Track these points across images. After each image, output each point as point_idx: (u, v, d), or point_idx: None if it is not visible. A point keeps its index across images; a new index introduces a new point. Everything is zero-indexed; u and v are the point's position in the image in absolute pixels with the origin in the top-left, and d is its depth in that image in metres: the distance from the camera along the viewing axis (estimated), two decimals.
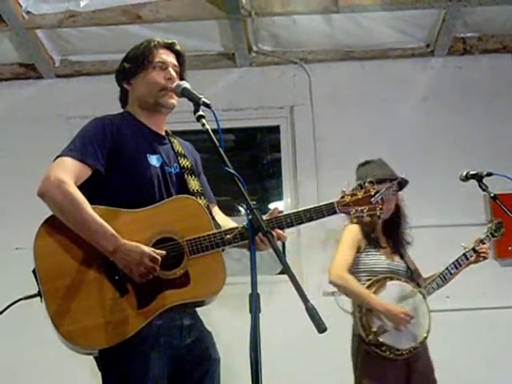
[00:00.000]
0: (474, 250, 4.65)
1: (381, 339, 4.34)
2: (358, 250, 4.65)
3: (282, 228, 3.09)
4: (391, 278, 4.53)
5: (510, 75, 6.75)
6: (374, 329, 4.36)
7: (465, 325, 5.94)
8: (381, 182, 4.52)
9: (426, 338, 4.46)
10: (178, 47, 3.43)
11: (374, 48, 6.78)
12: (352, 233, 4.66)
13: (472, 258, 4.65)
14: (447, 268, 4.61)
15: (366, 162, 4.79)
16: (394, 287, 4.50)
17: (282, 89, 6.80)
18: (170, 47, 3.41)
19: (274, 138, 6.98)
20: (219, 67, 6.83)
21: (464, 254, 4.64)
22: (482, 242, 4.70)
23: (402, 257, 4.72)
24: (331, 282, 4.56)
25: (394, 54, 6.82)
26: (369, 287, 4.50)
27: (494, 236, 4.77)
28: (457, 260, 4.63)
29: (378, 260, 4.62)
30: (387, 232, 4.75)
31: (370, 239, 4.68)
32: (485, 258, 4.68)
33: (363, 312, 4.45)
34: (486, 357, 5.93)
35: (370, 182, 3.24)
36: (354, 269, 4.65)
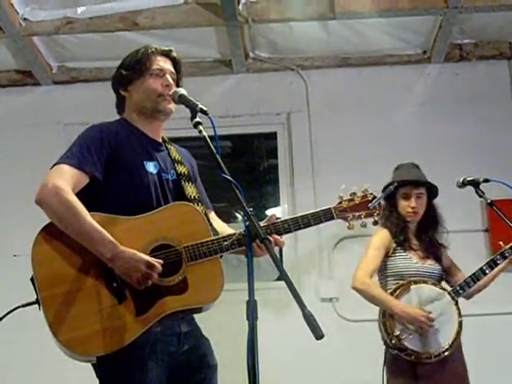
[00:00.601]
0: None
1: (405, 343, 4.33)
2: (387, 255, 4.64)
3: (279, 234, 3.10)
4: (417, 282, 4.49)
5: (506, 81, 6.76)
6: (397, 333, 4.35)
7: (465, 331, 5.91)
8: (404, 185, 4.61)
9: (455, 340, 4.41)
10: (174, 54, 3.43)
11: (371, 54, 6.79)
12: (379, 237, 4.66)
13: None
14: (481, 267, 4.47)
15: (398, 167, 4.83)
16: (419, 290, 4.46)
17: (279, 95, 6.81)
18: (167, 54, 3.40)
19: (271, 144, 6.98)
20: (216, 74, 6.84)
21: (501, 253, 4.47)
22: None
23: (437, 259, 4.65)
24: (354, 288, 4.53)
25: (391, 61, 6.82)
26: (393, 292, 4.49)
27: None
28: (492, 259, 4.49)
29: (407, 263, 4.58)
30: (419, 234, 4.72)
31: (400, 242, 4.64)
32: None
33: (386, 317, 4.43)
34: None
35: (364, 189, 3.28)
36: (383, 273, 4.67)
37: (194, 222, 3.13)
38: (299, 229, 3.15)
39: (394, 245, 4.64)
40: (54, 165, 3.10)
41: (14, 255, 6.21)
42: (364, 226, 3.27)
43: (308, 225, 3.16)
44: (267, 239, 2.59)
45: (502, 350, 5.92)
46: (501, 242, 4.50)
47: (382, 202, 3.30)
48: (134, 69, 3.33)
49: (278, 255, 2.58)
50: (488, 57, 6.81)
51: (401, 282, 4.51)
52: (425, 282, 4.50)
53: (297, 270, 6.25)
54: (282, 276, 2.39)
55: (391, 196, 4.63)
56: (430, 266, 4.60)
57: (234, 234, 3.08)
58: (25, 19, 5.93)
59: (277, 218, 3.15)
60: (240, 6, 5.85)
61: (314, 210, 3.19)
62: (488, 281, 4.60)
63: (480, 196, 4.44)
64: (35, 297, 2.98)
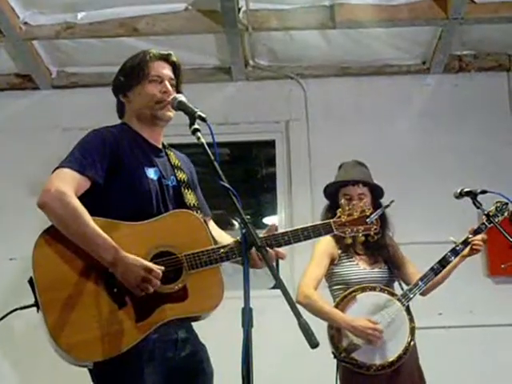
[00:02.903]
0: (465, 242, 4.38)
1: (354, 356, 4.18)
2: (332, 262, 4.50)
3: (279, 245, 3.10)
4: (364, 289, 4.32)
5: (505, 93, 6.77)
6: (344, 346, 4.21)
7: (456, 342, 5.94)
8: (345, 186, 4.49)
9: (407, 348, 4.25)
10: (174, 58, 3.42)
11: (371, 64, 6.80)
12: (322, 245, 4.51)
13: (465, 252, 4.39)
14: (432, 267, 4.35)
15: (340, 166, 4.75)
16: (366, 299, 4.29)
17: (278, 103, 6.82)
18: (166, 59, 3.40)
19: (270, 152, 6.99)
20: (215, 81, 6.85)
21: (453, 249, 4.37)
22: (475, 232, 4.38)
23: (386, 262, 4.52)
24: (298, 303, 4.26)
25: (390, 71, 6.84)
26: (339, 303, 4.34)
27: (493, 221, 4.34)
28: (444, 257, 4.37)
29: (353, 270, 4.44)
30: (365, 238, 4.56)
31: (344, 248, 4.47)
32: (477, 250, 4.37)
33: (333, 330, 4.29)
34: (479, 374, 5.92)
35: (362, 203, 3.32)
36: (330, 283, 4.55)
37: (195, 230, 3.14)
38: (299, 241, 3.15)
39: (339, 251, 4.50)
40: (56, 169, 3.09)
41: (10, 259, 6.20)
42: (362, 240, 3.30)
43: (308, 237, 3.17)
44: (264, 247, 2.59)
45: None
46: (451, 238, 4.42)
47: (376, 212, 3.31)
48: (131, 75, 3.33)
49: (275, 265, 2.58)
50: (487, 68, 6.83)
51: (348, 290, 4.35)
52: (373, 288, 4.34)
53: (293, 280, 6.24)
54: (279, 285, 2.39)
55: (332, 198, 4.52)
56: (379, 270, 4.47)
57: (234, 243, 3.07)
58: (25, 23, 5.93)
59: (276, 229, 3.15)
60: (240, 14, 5.85)
61: (314, 223, 3.21)
62: (442, 278, 4.46)
63: (477, 207, 4.41)
64: (33, 299, 2.96)
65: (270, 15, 5.99)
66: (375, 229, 3.24)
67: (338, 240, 4.47)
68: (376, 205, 4.42)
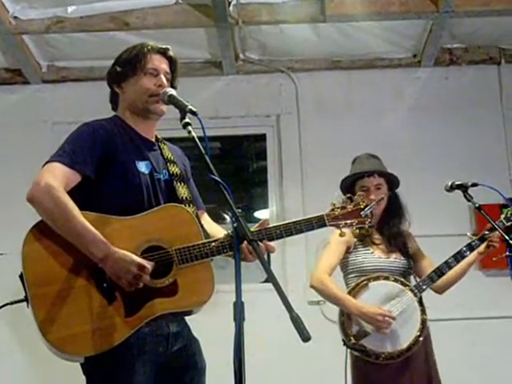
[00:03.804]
0: (481, 238, 4.33)
1: (363, 343, 4.20)
2: (348, 251, 4.52)
3: (271, 239, 3.09)
4: (378, 278, 4.35)
5: (496, 87, 6.78)
6: (354, 332, 4.23)
7: (448, 336, 5.94)
8: (362, 178, 4.54)
9: (417, 338, 4.25)
10: (171, 53, 3.41)
11: (361, 57, 6.80)
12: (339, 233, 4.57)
13: (480, 248, 4.34)
14: (446, 260, 4.33)
15: (354, 159, 4.74)
16: (378, 287, 4.33)
17: (269, 97, 6.82)
18: (163, 53, 3.39)
19: (260, 146, 6.99)
20: (206, 75, 6.84)
21: (469, 244, 4.34)
22: (492, 228, 4.29)
23: (402, 253, 4.53)
24: (311, 287, 4.44)
25: (381, 64, 6.84)
26: (352, 290, 4.37)
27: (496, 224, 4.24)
28: (459, 251, 4.34)
29: (368, 258, 4.45)
30: (381, 227, 4.57)
31: (361, 237, 4.42)
32: (494, 246, 4.31)
33: (344, 316, 4.32)
34: (469, 368, 5.93)
35: (360, 195, 3.29)
36: (345, 271, 4.57)
37: (186, 224, 3.13)
38: (291, 235, 3.14)
39: (355, 240, 4.50)
40: (46, 163, 3.08)
41: (1, 253, 6.18)
42: (356, 233, 3.28)
43: (300, 231, 3.15)
44: (255, 241, 2.58)
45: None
46: (468, 233, 4.42)
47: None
48: (128, 66, 3.31)
49: (266, 258, 2.57)
50: (478, 61, 6.84)
51: (361, 279, 4.38)
52: (386, 277, 4.36)
53: (284, 273, 6.25)
54: (270, 278, 2.38)
55: (349, 192, 4.56)
56: (395, 260, 4.47)
57: (225, 237, 3.06)
58: (15, 17, 5.91)
59: (268, 223, 3.14)
60: (231, 8, 5.85)
61: (307, 217, 3.18)
62: (459, 274, 4.46)
63: (468, 200, 4.39)
64: (24, 294, 2.95)
65: (261, 9, 5.99)
66: (369, 222, 3.22)
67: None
68: (392, 195, 4.58)
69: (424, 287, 4.33)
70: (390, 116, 6.67)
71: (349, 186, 4.59)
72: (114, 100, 3.43)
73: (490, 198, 4.66)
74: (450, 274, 4.39)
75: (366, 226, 3.24)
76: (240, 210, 2.65)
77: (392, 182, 4.62)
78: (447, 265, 4.33)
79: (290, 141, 6.68)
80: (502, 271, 4.53)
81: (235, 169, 7.57)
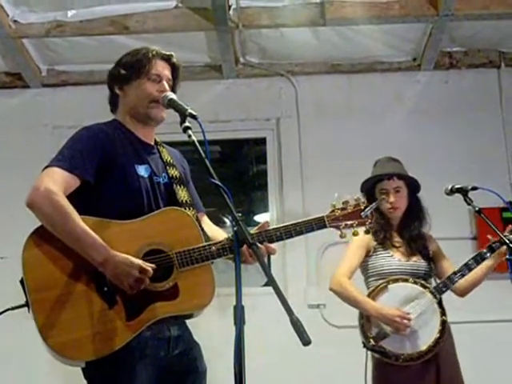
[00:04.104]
0: (501, 241, 4.25)
1: (383, 345, 4.23)
2: (368, 254, 4.55)
3: (271, 241, 3.09)
4: (396, 280, 4.37)
5: (495, 90, 6.78)
6: (373, 334, 4.26)
7: None
8: (381, 180, 4.55)
9: (438, 340, 4.27)
10: (175, 60, 3.42)
11: (361, 61, 6.80)
12: (359, 237, 4.57)
13: (502, 249, 4.29)
14: (466, 262, 4.33)
15: (376, 162, 4.78)
16: (398, 289, 4.35)
17: (269, 101, 6.81)
18: (167, 59, 3.39)
19: (260, 149, 6.98)
20: (206, 79, 6.83)
21: (489, 246, 4.33)
22: None
23: (423, 255, 4.54)
24: (331, 290, 4.48)
25: (381, 68, 6.84)
26: (371, 292, 4.40)
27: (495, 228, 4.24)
28: (479, 253, 4.37)
29: (388, 262, 4.47)
30: (401, 230, 4.61)
31: (381, 240, 4.54)
32: None
33: (364, 319, 4.35)
34: (473, 371, 5.93)
35: (360, 197, 3.30)
36: (365, 274, 4.60)
37: (186, 227, 3.13)
38: (291, 237, 3.14)
39: (375, 243, 4.54)
40: (46, 167, 3.08)
41: (1, 257, 6.18)
42: (356, 234, 3.28)
43: (300, 233, 3.15)
44: (255, 245, 2.58)
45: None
46: (489, 236, 4.38)
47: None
48: (131, 69, 3.31)
49: (266, 261, 2.57)
50: (478, 65, 6.84)
51: (380, 281, 4.42)
52: (405, 280, 4.38)
53: (285, 277, 6.25)
54: (270, 282, 2.38)
55: (370, 195, 4.55)
56: (415, 262, 4.49)
57: (225, 240, 3.07)
58: (15, 21, 5.91)
59: (268, 225, 3.14)
60: (231, 12, 5.85)
61: (307, 218, 3.17)
62: (480, 277, 4.46)
63: (468, 204, 4.39)
64: (24, 299, 2.95)
65: (261, 13, 5.99)
66: (370, 223, 3.22)
67: (375, 232, 4.51)
68: (412, 198, 4.61)
69: (444, 289, 4.35)
70: (390, 119, 6.66)
71: (369, 188, 4.61)
72: (114, 101, 3.43)
73: (490, 201, 4.65)
74: (471, 276, 4.41)
75: (367, 227, 3.24)
76: (240, 214, 2.65)
77: (412, 185, 4.66)
78: (467, 267, 4.34)
79: (290, 144, 6.68)
80: (502, 274, 4.52)
81: (235, 172, 7.57)
